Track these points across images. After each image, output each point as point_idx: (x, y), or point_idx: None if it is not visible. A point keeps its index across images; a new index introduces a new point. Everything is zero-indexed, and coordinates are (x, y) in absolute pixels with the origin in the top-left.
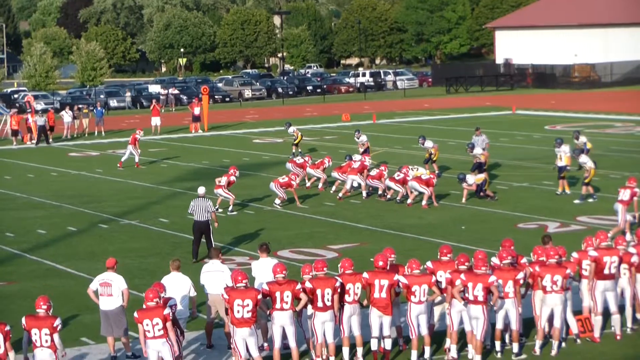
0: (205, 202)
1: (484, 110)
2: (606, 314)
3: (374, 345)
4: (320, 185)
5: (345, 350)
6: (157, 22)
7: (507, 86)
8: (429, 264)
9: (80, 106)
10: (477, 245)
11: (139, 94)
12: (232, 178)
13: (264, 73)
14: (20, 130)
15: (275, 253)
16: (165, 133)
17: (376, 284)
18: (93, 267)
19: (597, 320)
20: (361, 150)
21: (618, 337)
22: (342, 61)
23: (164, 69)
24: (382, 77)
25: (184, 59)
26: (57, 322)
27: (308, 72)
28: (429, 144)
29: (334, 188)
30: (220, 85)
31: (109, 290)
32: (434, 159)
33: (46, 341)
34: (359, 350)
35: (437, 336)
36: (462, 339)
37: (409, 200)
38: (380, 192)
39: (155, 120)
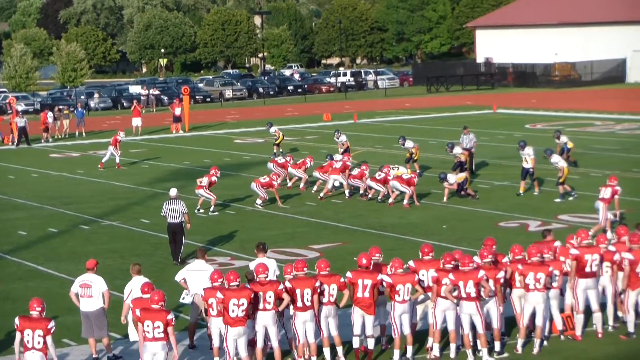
0: (179, 204)
1: (464, 109)
2: (587, 312)
3: (355, 343)
4: (301, 185)
5: (326, 351)
6: (137, 23)
7: (488, 85)
8: (411, 263)
9: (60, 107)
10: (458, 244)
11: (119, 94)
12: (214, 178)
13: (244, 73)
14: (0, 132)
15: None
16: (146, 134)
17: (359, 283)
18: (74, 268)
19: (578, 318)
20: (341, 150)
21: (600, 335)
22: (323, 61)
23: (144, 70)
24: (363, 76)
25: (165, 60)
26: (52, 324)
27: (295, 73)
28: (409, 144)
29: (315, 188)
30: (201, 85)
31: (89, 291)
32: (415, 158)
33: (38, 342)
34: (339, 350)
35: (419, 335)
36: (445, 338)
37: (390, 200)
38: (361, 191)
39: (136, 121)
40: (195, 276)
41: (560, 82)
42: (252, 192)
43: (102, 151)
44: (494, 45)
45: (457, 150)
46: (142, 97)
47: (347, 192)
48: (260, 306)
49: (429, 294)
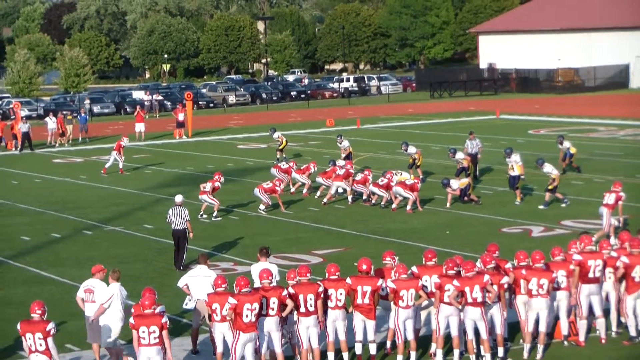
0: (182, 211)
1: (467, 115)
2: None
3: (358, 349)
4: (304, 190)
5: (331, 355)
6: (140, 28)
7: (491, 91)
8: (414, 268)
9: (64, 112)
10: (461, 249)
11: (122, 100)
12: (217, 184)
13: (248, 79)
14: (3, 137)
15: (268, 259)
16: (150, 139)
17: (359, 289)
18: (77, 273)
19: (582, 324)
20: (343, 155)
21: (603, 341)
22: (326, 66)
23: (147, 75)
24: (366, 82)
25: (168, 65)
26: (50, 326)
27: (305, 79)
28: (412, 149)
29: (318, 193)
30: (204, 91)
31: (92, 296)
32: (418, 164)
33: (40, 345)
34: (345, 356)
35: (422, 340)
36: (448, 344)
37: (393, 205)
38: (364, 197)
39: (140, 127)
40: (198, 282)
41: (564, 87)
42: (255, 198)
43: (105, 156)
44: (497, 51)
45: (460, 155)
46: (145, 103)
47: (349, 197)
48: (264, 312)
49: (433, 299)
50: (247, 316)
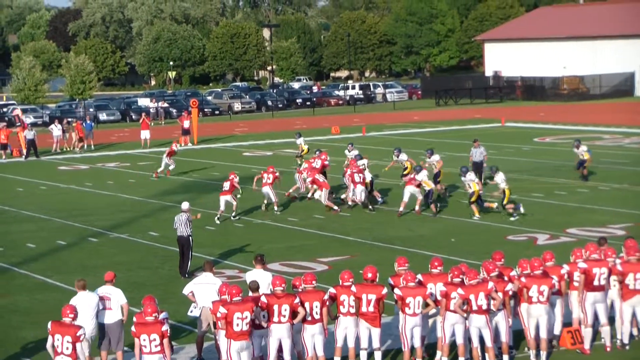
0: (187, 217)
1: (473, 122)
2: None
3: (363, 357)
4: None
5: None
6: (146, 36)
7: (497, 98)
8: (419, 276)
9: (69, 119)
10: (466, 257)
11: (128, 107)
12: (235, 181)
13: (253, 86)
14: (9, 144)
15: (265, 266)
16: (155, 146)
17: (364, 298)
18: None
19: (587, 332)
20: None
21: (608, 349)
22: (332, 74)
23: (153, 82)
24: (372, 89)
25: (174, 72)
26: (81, 331)
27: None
28: (403, 157)
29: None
30: (209, 98)
31: (108, 304)
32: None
33: (67, 348)
34: None
35: (428, 348)
36: (453, 352)
37: (400, 209)
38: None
39: (145, 134)
40: (203, 289)
41: (569, 95)
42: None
43: (111, 164)
44: (503, 59)
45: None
46: (150, 110)
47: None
48: (275, 319)
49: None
50: (237, 325)
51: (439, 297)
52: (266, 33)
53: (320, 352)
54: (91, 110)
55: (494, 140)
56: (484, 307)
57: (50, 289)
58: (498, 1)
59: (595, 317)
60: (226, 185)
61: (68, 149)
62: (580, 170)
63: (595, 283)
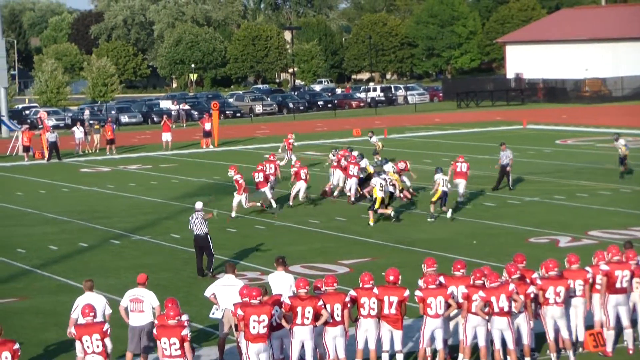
0: (202, 217)
1: (494, 124)
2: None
3: (385, 359)
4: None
5: None
6: (167, 38)
7: (518, 101)
8: (441, 279)
9: (91, 122)
10: (488, 259)
11: (150, 109)
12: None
13: (275, 88)
14: (32, 146)
15: (286, 268)
16: (176, 148)
17: (385, 300)
18: (104, 282)
19: (609, 335)
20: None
21: (630, 352)
22: (353, 76)
23: (175, 85)
24: (393, 92)
25: (195, 75)
26: (107, 326)
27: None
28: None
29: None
30: (231, 100)
31: (141, 306)
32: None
33: (97, 346)
34: None
35: (450, 350)
36: (475, 354)
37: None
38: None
39: (166, 136)
40: (225, 291)
41: (591, 97)
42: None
43: (133, 166)
44: (524, 61)
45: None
46: (172, 112)
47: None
48: (298, 321)
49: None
50: (254, 327)
51: (460, 300)
52: (287, 35)
53: (342, 355)
54: (113, 112)
55: (516, 143)
56: (505, 309)
57: (72, 291)
58: (519, 3)
59: (618, 319)
60: (260, 176)
61: (90, 151)
62: (622, 167)
63: (618, 285)
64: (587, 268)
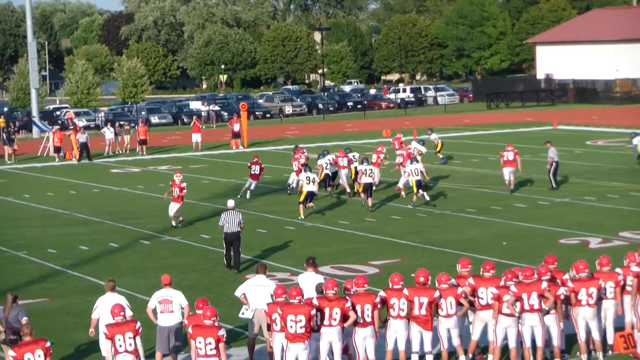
0: (236, 215)
1: (525, 125)
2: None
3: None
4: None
5: None
6: (197, 39)
7: (548, 101)
8: (470, 280)
9: (121, 123)
10: (518, 261)
11: (180, 110)
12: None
13: (304, 89)
14: (62, 147)
15: (316, 269)
16: (206, 149)
17: (415, 301)
18: (134, 283)
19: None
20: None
21: None
22: (383, 77)
23: (204, 86)
24: (423, 92)
25: (225, 76)
26: (139, 324)
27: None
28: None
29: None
30: (260, 101)
31: (170, 307)
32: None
33: (130, 345)
34: None
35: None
36: (505, 355)
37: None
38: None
39: (196, 137)
40: (256, 291)
41: (622, 98)
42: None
43: (163, 167)
44: (555, 62)
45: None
46: (202, 113)
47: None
48: (326, 322)
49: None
50: (291, 327)
51: (489, 301)
52: (317, 36)
53: (372, 355)
54: (143, 113)
55: None
56: (536, 306)
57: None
58: (550, 4)
59: None
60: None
61: (120, 151)
62: None
63: None
64: (618, 270)
